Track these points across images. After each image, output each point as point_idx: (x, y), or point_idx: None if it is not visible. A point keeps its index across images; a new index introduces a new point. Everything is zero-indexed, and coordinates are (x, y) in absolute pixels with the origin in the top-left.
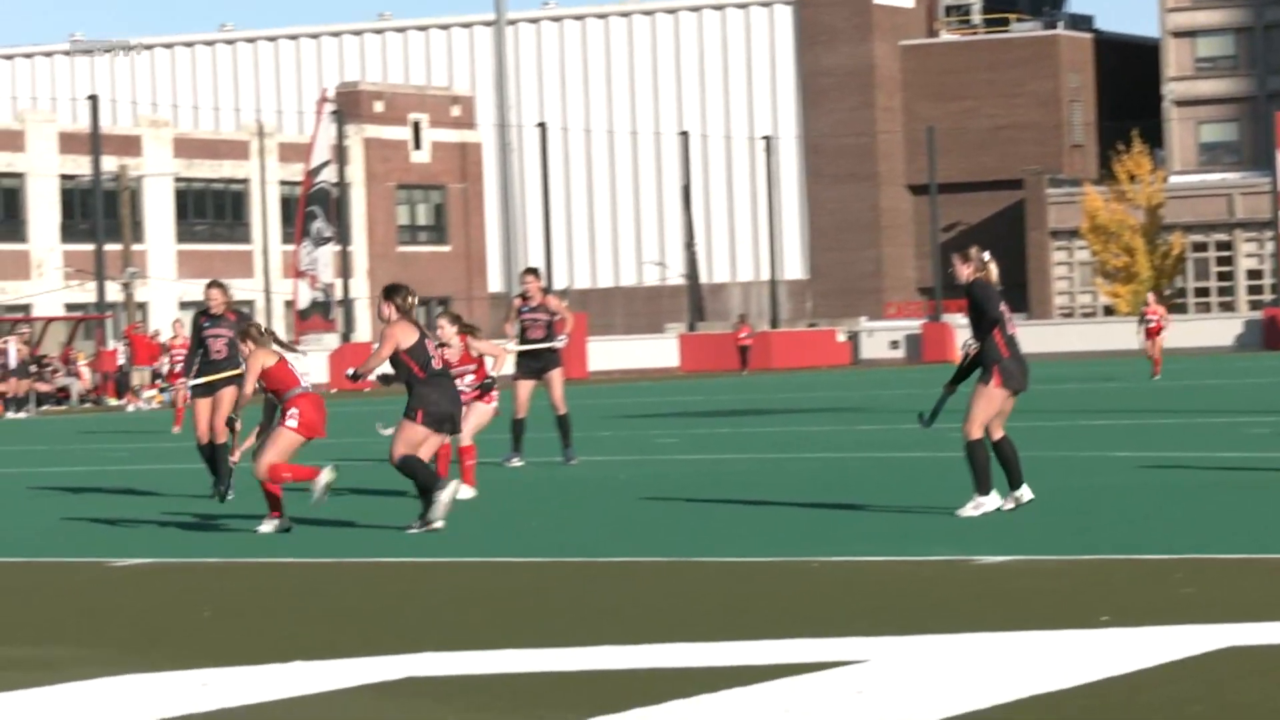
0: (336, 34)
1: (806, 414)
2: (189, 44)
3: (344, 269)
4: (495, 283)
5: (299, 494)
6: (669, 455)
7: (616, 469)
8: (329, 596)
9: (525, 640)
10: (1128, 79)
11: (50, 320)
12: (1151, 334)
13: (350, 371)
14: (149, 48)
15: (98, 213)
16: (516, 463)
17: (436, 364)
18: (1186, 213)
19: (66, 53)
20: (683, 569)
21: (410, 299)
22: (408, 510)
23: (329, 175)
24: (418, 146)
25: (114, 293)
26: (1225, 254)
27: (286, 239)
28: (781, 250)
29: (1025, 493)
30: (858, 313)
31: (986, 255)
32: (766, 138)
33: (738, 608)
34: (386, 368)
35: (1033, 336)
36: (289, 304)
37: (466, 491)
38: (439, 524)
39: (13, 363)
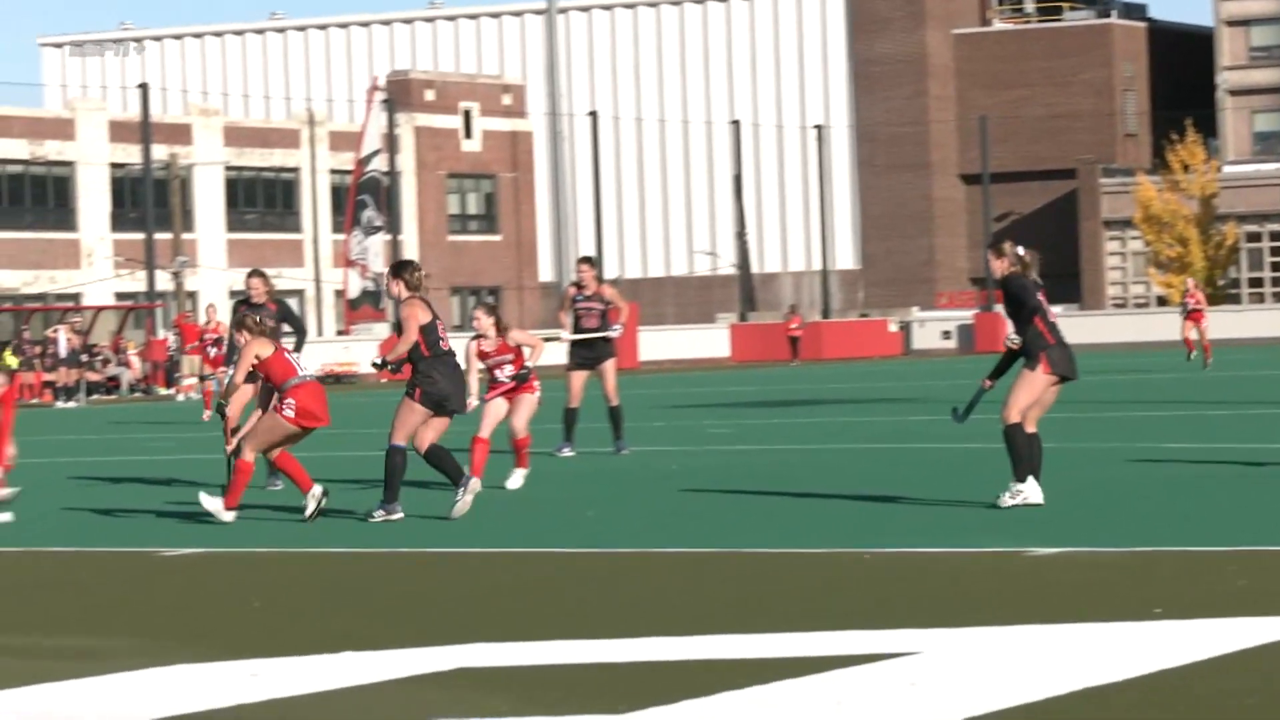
0: (387, 22)
1: (859, 404)
2: (239, 32)
3: (394, 258)
4: (546, 272)
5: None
6: (723, 446)
7: (669, 459)
8: (379, 587)
9: (576, 631)
10: (1181, 68)
11: (100, 309)
12: (1195, 320)
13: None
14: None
15: (148, 201)
16: (568, 453)
17: (444, 345)
18: (1240, 203)
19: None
20: (734, 560)
21: (418, 274)
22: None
23: (379, 164)
24: (468, 135)
25: (164, 282)
26: (1279, 244)
27: (337, 228)
28: (833, 240)
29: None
30: (909, 303)
31: (1021, 250)
32: (818, 126)
33: (790, 599)
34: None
35: (1085, 327)
36: (339, 293)
37: (518, 479)
38: (458, 514)
39: (63, 352)
